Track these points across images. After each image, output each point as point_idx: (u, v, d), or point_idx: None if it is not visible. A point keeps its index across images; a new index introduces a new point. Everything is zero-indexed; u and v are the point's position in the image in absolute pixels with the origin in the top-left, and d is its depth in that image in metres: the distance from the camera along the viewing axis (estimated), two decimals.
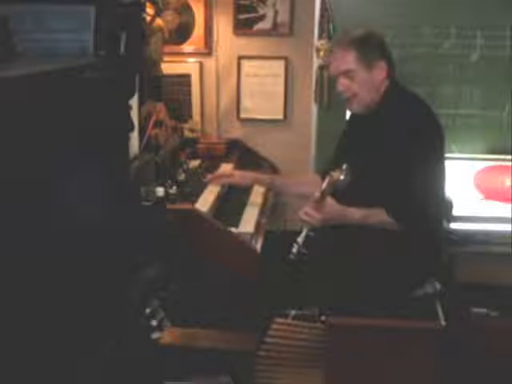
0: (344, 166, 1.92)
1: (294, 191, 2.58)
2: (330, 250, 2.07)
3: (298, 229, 2.03)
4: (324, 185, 1.93)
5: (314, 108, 2.93)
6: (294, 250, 1.94)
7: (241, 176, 2.51)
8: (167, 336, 1.79)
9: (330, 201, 1.95)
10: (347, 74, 2.06)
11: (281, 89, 3.10)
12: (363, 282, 2.01)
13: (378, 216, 1.97)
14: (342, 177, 1.91)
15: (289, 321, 2.15)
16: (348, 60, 2.05)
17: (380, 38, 2.10)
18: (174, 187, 2.33)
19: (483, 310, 2.49)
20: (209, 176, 2.55)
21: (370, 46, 2.05)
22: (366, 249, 2.04)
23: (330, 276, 2.05)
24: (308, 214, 1.95)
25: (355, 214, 1.98)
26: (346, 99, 2.11)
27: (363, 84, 2.05)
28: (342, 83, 2.08)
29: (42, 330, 1.11)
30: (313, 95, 2.91)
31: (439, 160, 2.03)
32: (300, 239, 1.96)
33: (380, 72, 2.05)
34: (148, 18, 2.24)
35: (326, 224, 1.96)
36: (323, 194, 1.92)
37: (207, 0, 3.03)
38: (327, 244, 2.02)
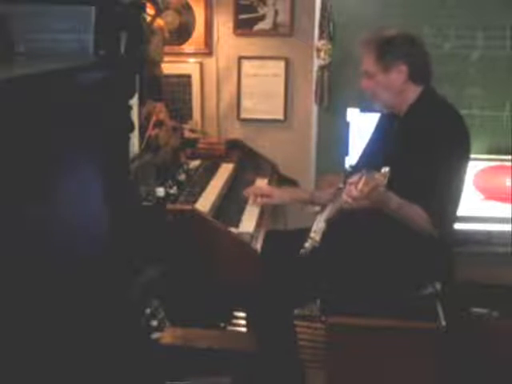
0: (386, 169, 1.79)
1: None
2: (333, 249, 2.07)
3: (299, 227, 2.02)
4: (360, 185, 1.77)
5: (314, 108, 2.93)
6: (308, 244, 1.89)
7: (279, 196, 2.48)
8: (167, 336, 1.79)
9: (379, 183, 1.82)
10: (367, 73, 2.08)
11: (281, 89, 3.09)
12: (366, 281, 2.01)
13: (414, 208, 1.92)
14: (385, 181, 1.79)
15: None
16: (368, 61, 2.06)
17: (407, 40, 2.05)
18: (175, 187, 2.33)
19: (483, 310, 2.49)
20: (246, 192, 2.50)
21: (390, 49, 2.02)
22: (370, 249, 2.04)
23: (331, 274, 2.05)
24: (352, 196, 1.82)
25: (396, 201, 1.90)
26: (369, 95, 2.13)
27: (381, 85, 2.05)
28: (364, 82, 2.11)
29: (41, 330, 1.11)
30: (313, 95, 2.91)
31: (462, 168, 2.02)
32: (313, 234, 1.89)
33: (398, 75, 2.03)
34: (148, 18, 2.24)
35: (367, 205, 1.85)
36: (365, 195, 1.78)
37: (207, 0, 3.03)
38: (331, 242, 2.02)
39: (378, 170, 1.82)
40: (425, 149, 1.96)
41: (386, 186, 1.80)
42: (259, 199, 2.46)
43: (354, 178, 1.81)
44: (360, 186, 1.77)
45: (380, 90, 2.07)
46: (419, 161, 1.95)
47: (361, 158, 2.32)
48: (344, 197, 1.84)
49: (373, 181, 1.77)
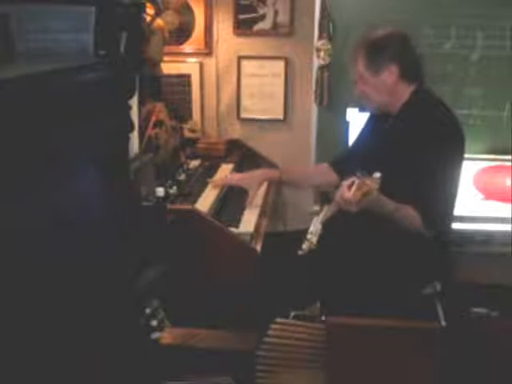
0: (378, 175, 1.82)
1: (309, 184, 2.58)
2: (334, 249, 2.07)
3: (299, 228, 2.02)
4: (354, 189, 1.80)
5: (314, 108, 2.93)
6: (305, 246, 1.91)
7: (250, 179, 2.44)
8: (167, 336, 1.79)
9: (372, 188, 1.83)
10: (360, 78, 2.09)
11: (281, 89, 3.10)
12: (365, 282, 2.01)
13: (407, 211, 1.94)
14: (377, 186, 1.80)
15: (289, 321, 2.15)
16: (359, 63, 2.07)
17: (396, 40, 2.05)
18: (174, 187, 2.33)
19: (483, 310, 2.49)
20: (214, 181, 2.51)
21: (379, 51, 2.02)
22: (369, 249, 2.04)
23: (331, 274, 2.05)
24: (344, 199, 1.84)
25: (390, 205, 1.92)
26: (362, 98, 2.14)
27: (373, 87, 2.06)
28: (357, 86, 2.12)
29: (41, 330, 1.11)
30: (313, 95, 2.91)
31: (455, 167, 2.02)
32: (310, 236, 1.90)
33: (389, 76, 2.03)
34: (148, 18, 2.23)
35: (361, 208, 1.86)
36: (357, 200, 1.81)
37: (207, 0, 3.03)
38: (329, 243, 2.02)
39: (369, 170, 1.83)
40: (417, 149, 1.96)
41: (377, 190, 1.81)
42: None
43: (348, 182, 1.83)
44: (353, 189, 1.79)
45: (373, 93, 2.08)
46: (411, 161, 1.95)
47: (350, 155, 2.33)
48: (337, 199, 1.87)
49: (365, 186, 1.79)
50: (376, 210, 1.90)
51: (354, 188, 1.79)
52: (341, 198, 1.84)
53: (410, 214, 1.93)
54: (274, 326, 2.06)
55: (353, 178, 1.82)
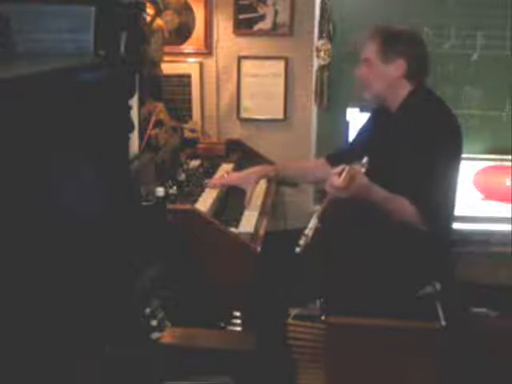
0: (364, 160, 1.91)
1: (306, 179, 2.59)
2: (334, 247, 2.07)
3: (299, 228, 2.02)
4: (344, 174, 1.86)
5: (314, 108, 2.93)
6: (302, 241, 1.91)
7: (245, 178, 2.41)
8: (167, 336, 1.79)
9: (359, 172, 1.90)
10: (366, 61, 2.10)
11: (281, 89, 3.10)
12: (366, 281, 2.01)
13: (400, 202, 1.95)
14: (363, 170, 1.89)
15: (289, 321, 2.15)
16: (370, 49, 2.08)
17: (413, 39, 2.08)
18: (174, 187, 2.33)
19: (483, 310, 2.49)
20: (211, 181, 2.48)
21: (395, 43, 2.05)
22: (372, 247, 2.04)
23: (331, 273, 2.06)
24: (334, 186, 1.88)
25: (380, 192, 1.94)
26: (360, 86, 2.15)
27: (377, 75, 2.08)
28: (360, 69, 2.13)
29: (41, 330, 1.11)
30: (313, 95, 2.91)
31: (453, 165, 2.03)
32: (307, 231, 1.92)
33: (396, 69, 2.05)
34: (148, 18, 2.24)
35: (350, 196, 1.90)
36: (346, 185, 1.87)
37: (207, 0, 3.03)
38: (331, 240, 2.02)
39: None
40: (416, 147, 1.97)
41: (364, 174, 1.89)
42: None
43: (337, 169, 1.88)
44: (342, 176, 1.84)
45: (374, 80, 2.09)
46: (410, 159, 1.96)
47: (347, 151, 2.36)
48: (327, 187, 1.91)
49: (352, 170, 1.86)
50: (367, 198, 1.92)
51: (343, 174, 1.84)
52: (331, 186, 1.88)
53: (402, 205, 1.94)
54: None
55: (342, 166, 1.87)
